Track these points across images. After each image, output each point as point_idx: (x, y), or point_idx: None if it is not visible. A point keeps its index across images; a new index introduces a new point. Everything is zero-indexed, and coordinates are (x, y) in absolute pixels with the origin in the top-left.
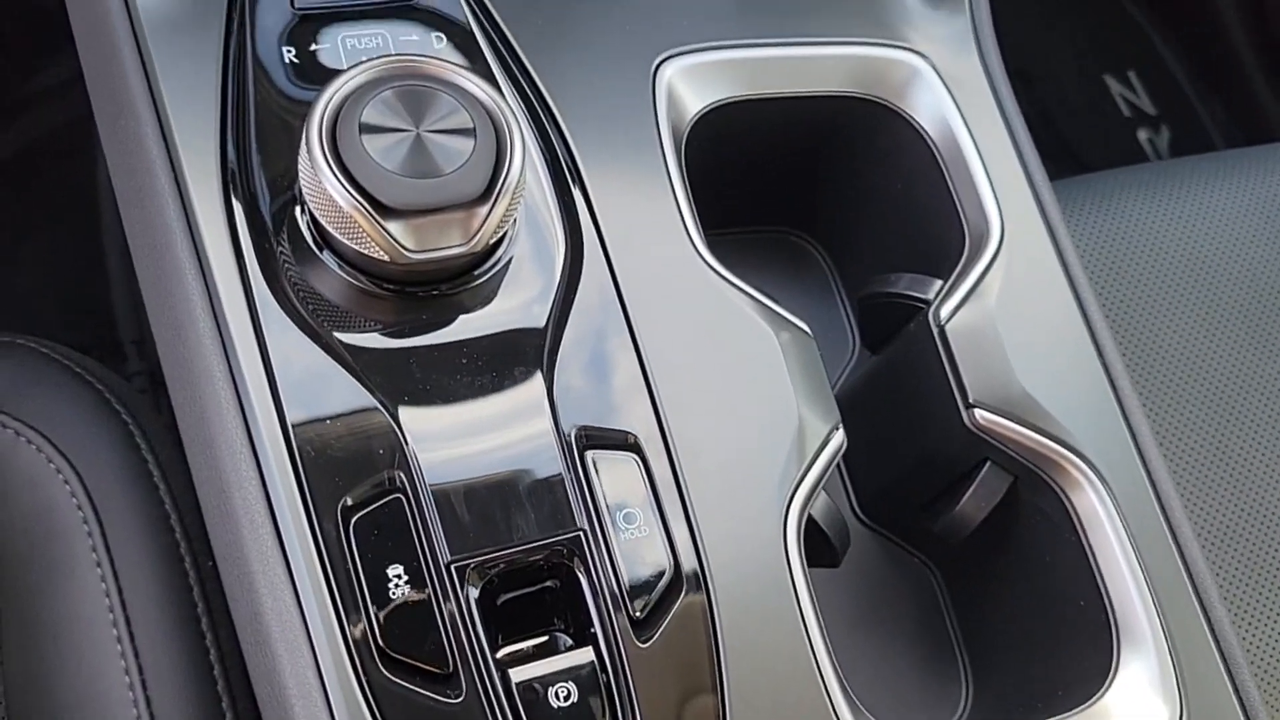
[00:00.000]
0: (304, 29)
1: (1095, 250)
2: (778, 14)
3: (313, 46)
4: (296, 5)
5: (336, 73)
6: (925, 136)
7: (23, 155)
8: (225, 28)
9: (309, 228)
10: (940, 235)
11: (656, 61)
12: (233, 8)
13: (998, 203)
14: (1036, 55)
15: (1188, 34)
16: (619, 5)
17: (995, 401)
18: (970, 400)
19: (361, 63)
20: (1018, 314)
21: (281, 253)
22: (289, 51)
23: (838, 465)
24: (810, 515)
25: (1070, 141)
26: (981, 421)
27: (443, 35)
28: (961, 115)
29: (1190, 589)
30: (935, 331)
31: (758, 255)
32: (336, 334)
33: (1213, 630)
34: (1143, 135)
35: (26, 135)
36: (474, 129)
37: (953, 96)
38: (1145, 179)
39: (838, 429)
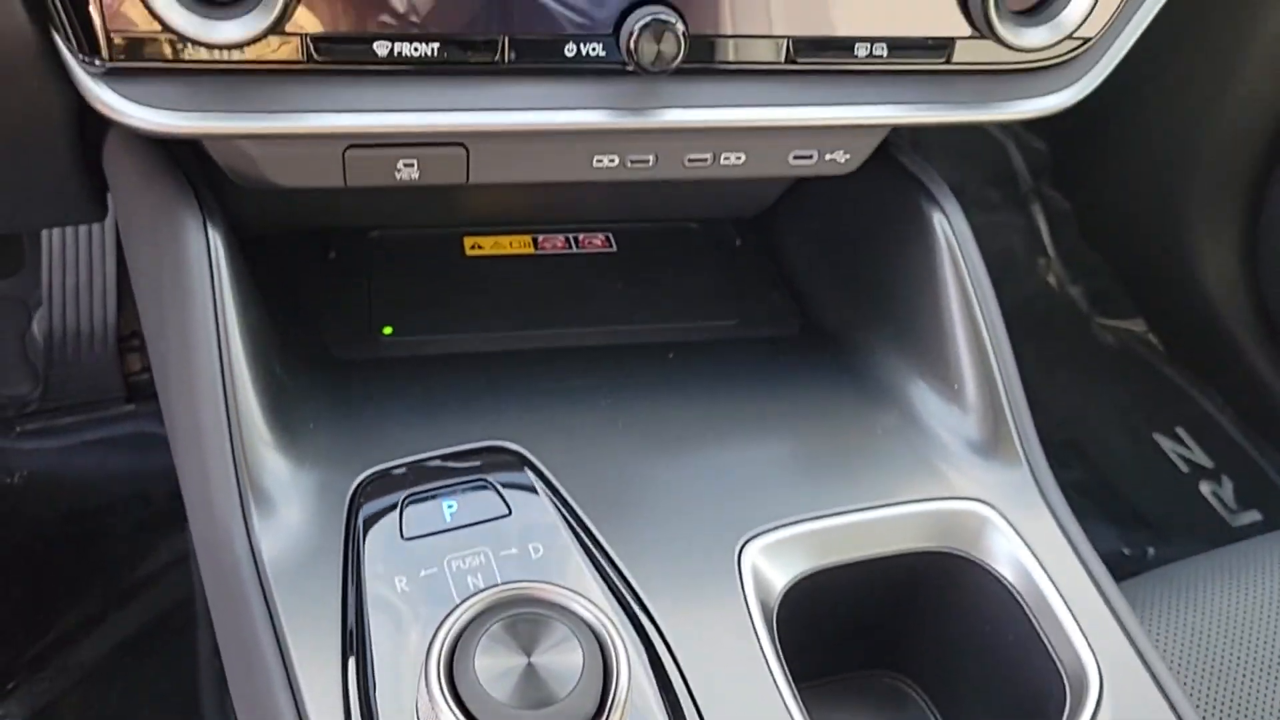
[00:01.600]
0: (412, 555)
1: (1182, 647)
2: (844, 482)
3: (422, 573)
4: (405, 535)
5: (445, 596)
6: (1006, 583)
7: (126, 644)
8: (343, 565)
9: None
10: (1037, 679)
11: (739, 546)
12: (348, 546)
13: (1090, 646)
14: (1083, 424)
15: (1226, 387)
16: (694, 495)
17: None
18: None
19: (471, 597)
20: None
21: None
22: (400, 580)
23: None
24: None
25: (1135, 504)
26: None
27: (540, 545)
28: (1037, 559)
29: None
30: None
31: (858, 699)
32: None
33: None
34: (1205, 489)
35: (132, 623)
36: (582, 650)
37: (1025, 542)
38: (1224, 564)
39: None
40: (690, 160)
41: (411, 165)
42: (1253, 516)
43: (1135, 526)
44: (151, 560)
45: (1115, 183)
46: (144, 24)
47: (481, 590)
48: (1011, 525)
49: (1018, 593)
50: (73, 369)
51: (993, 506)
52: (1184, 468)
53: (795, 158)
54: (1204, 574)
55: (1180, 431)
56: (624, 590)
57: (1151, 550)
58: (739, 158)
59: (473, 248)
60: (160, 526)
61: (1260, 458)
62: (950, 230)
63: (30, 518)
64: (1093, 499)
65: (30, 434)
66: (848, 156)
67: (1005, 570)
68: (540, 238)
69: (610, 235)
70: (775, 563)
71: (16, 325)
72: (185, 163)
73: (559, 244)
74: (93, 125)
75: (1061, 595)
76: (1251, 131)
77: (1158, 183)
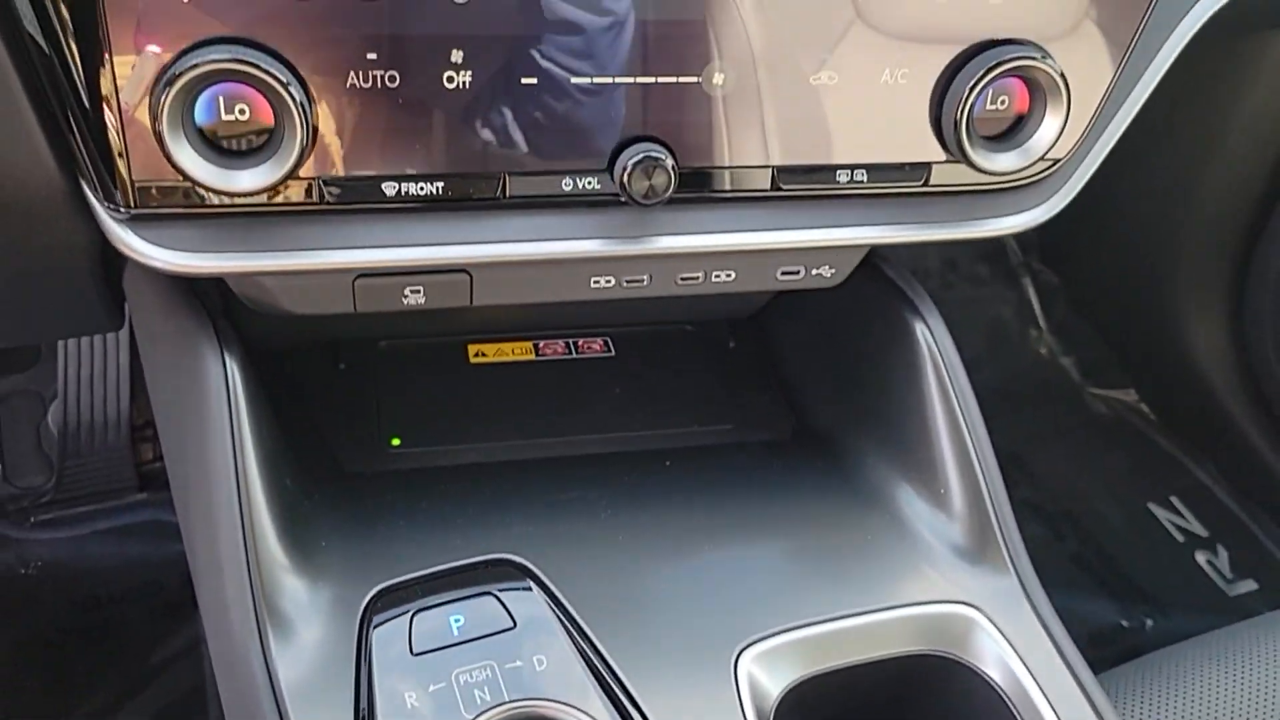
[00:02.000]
0: (421, 670)
1: None
2: (836, 587)
3: (431, 688)
4: (414, 650)
5: (453, 712)
6: (993, 685)
7: None
8: (355, 682)
9: None
10: None
11: (735, 654)
12: (360, 662)
13: None
14: (1076, 495)
15: (1217, 455)
16: (691, 603)
17: None
18: None
19: (477, 717)
20: None
21: None
22: (410, 696)
23: None
24: None
25: (1132, 576)
26: None
27: (544, 657)
28: (1022, 661)
29: None
30: None
31: None
32: None
33: None
34: (1201, 558)
35: (146, 711)
36: None
37: (1011, 644)
38: (1212, 651)
39: None
40: (682, 279)
41: (418, 291)
42: (1249, 586)
43: (1133, 598)
44: (165, 647)
45: (1103, 257)
46: (166, 175)
47: (488, 708)
48: (997, 627)
49: (1005, 694)
50: (86, 459)
51: (979, 609)
52: (1179, 537)
53: (783, 274)
54: (1192, 660)
55: (1175, 501)
56: (625, 702)
57: (1149, 622)
58: (729, 275)
59: (476, 355)
60: (173, 614)
61: (1255, 526)
62: (933, 340)
63: (45, 607)
64: (1090, 572)
65: (44, 524)
66: (833, 271)
67: (993, 672)
68: (541, 343)
69: (609, 339)
70: (770, 670)
71: (32, 417)
72: (202, 289)
73: (559, 349)
74: (114, 254)
75: (1046, 696)
76: (1234, 205)
77: (1144, 256)
